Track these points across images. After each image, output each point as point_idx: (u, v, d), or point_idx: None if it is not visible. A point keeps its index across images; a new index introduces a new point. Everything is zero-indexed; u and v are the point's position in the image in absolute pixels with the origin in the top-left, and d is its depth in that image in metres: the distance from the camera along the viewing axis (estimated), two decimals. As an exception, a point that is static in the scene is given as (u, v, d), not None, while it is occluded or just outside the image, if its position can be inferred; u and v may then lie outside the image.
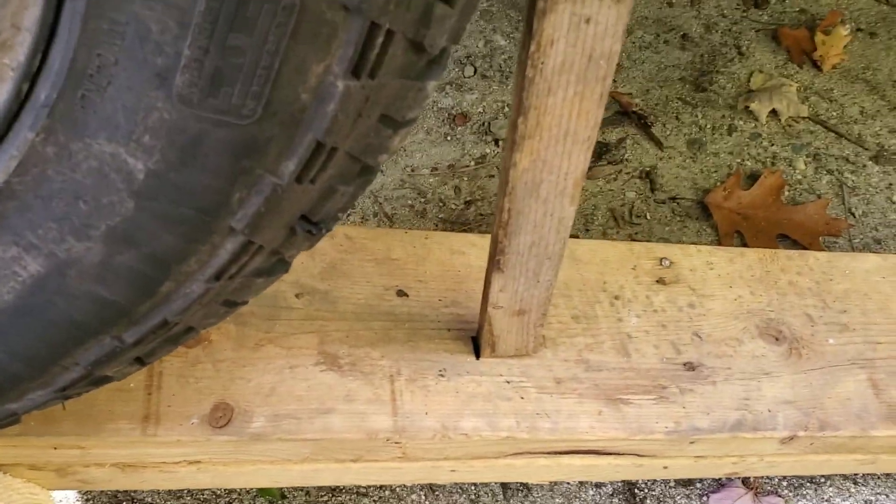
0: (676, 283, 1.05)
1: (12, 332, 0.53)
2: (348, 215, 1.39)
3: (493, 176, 1.42)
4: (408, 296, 0.95)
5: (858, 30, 1.62)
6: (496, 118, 1.49)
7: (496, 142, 1.46)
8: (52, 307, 0.53)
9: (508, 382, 0.91)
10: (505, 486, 1.13)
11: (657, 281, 1.05)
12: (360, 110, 0.48)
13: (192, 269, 0.53)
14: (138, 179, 0.47)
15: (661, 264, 1.06)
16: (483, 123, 1.48)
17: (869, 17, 1.65)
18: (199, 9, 0.40)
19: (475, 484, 1.12)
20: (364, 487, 1.11)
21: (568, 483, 1.14)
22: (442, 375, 0.90)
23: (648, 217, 1.41)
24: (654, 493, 1.15)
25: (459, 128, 1.47)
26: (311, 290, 0.92)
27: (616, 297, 1.02)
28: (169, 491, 1.06)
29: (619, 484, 1.15)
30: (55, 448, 0.77)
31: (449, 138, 1.46)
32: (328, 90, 0.45)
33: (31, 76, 0.45)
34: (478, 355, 0.92)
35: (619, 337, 0.98)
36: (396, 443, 0.86)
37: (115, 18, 0.42)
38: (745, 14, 1.65)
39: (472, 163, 1.43)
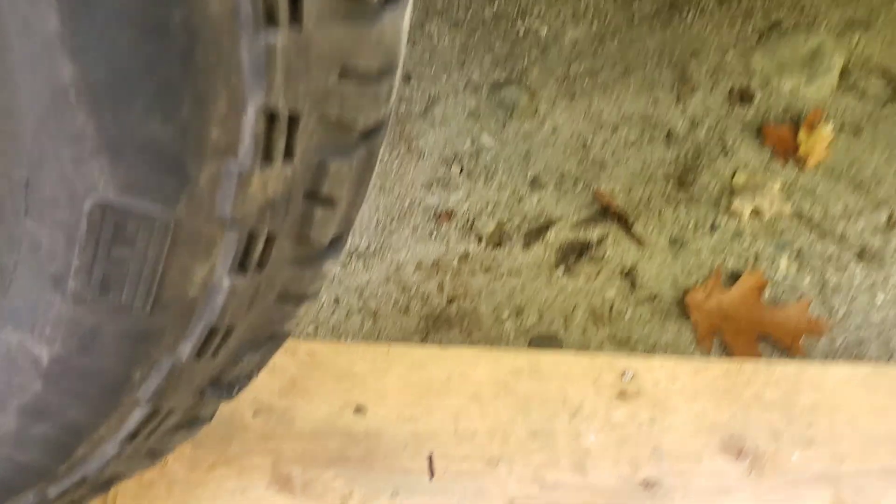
0: (638, 396, 1.06)
1: (-62, 491, 0.57)
2: (332, 312, 1.42)
3: (475, 273, 1.44)
4: (366, 412, 0.97)
5: (843, 127, 1.64)
6: (479, 216, 1.52)
7: (479, 239, 1.49)
8: (-25, 470, 0.56)
9: (464, 502, 0.93)
10: None
11: (618, 395, 1.06)
12: (254, 297, 0.52)
13: (104, 434, 0.56)
14: (43, 364, 0.51)
15: (623, 377, 1.08)
16: (468, 221, 1.51)
17: (854, 115, 1.67)
18: (82, 229, 0.44)
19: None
20: None
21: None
22: (395, 496, 0.91)
23: (627, 317, 1.42)
24: None
25: (444, 226, 1.51)
26: (269, 409, 0.95)
27: (576, 412, 1.03)
28: None
29: None
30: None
31: (433, 236, 1.50)
32: (215, 287, 0.49)
33: (-55, 274, 0.49)
34: (432, 475, 0.94)
35: (578, 454, 1.00)
36: (344, 566, 0.87)
37: (13, 233, 0.46)
38: (730, 110, 1.68)
39: (456, 260, 1.47)
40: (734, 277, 1.46)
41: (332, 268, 0.56)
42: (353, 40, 0.41)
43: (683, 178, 1.59)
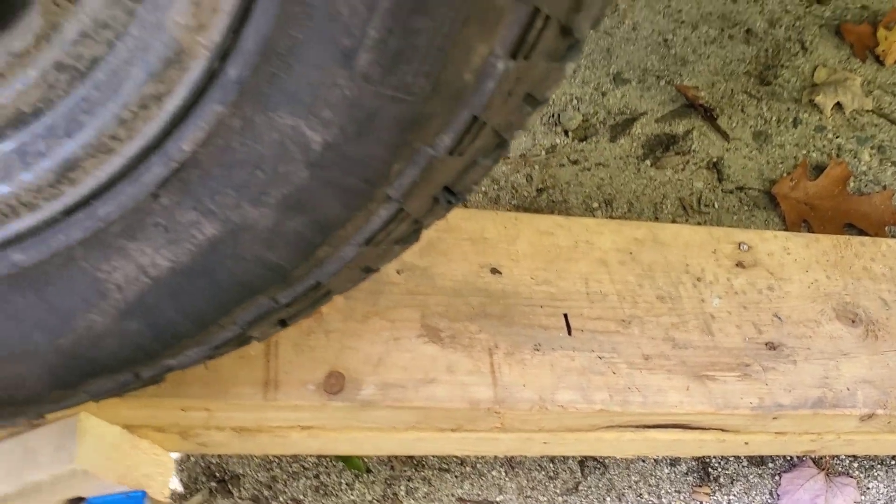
0: (755, 266, 1.09)
1: (184, 291, 0.59)
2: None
3: (563, 165, 1.46)
4: (501, 273, 0.99)
5: (922, 24, 1.64)
6: (565, 110, 1.53)
7: (566, 132, 1.50)
8: (223, 269, 0.58)
9: (600, 358, 0.95)
10: (582, 463, 1.17)
11: (737, 264, 1.08)
12: (512, 89, 0.53)
13: (348, 233, 0.58)
14: (315, 150, 0.52)
15: (739, 248, 1.10)
16: (553, 115, 1.52)
17: (933, 12, 1.67)
18: (388, -6, 0.45)
19: (553, 461, 1.17)
20: (446, 463, 1.15)
21: (643, 461, 1.18)
22: (537, 350, 0.94)
23: (716, 206, 1.44)
24: (727, 471, 1.19)
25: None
26: (412, 267, 0.97)
27: (698, 279, 1.05)
28: (259, 462, 1.12)
29: (694, 463, 1.18)
30: (183, 410, 0.83)
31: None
32: (489, 70, 0.50)
33: (223, 55, 0.50)
34: (569, 331, 0.97)
35: (703, 317, 1.02)
36: (497, 413, 0.90)
37: (309, 1, 0.47)
38: (808, 9, 1.67)
39: (543, 152, 1.48)
40: (818, 169, 1.48)
41: (568, 70, 0.57)
42: None
43: (764, 75, 1.59)
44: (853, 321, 1.07)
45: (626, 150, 1.49)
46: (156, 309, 0.59)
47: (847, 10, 1.67)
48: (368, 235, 0.59)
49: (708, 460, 1.18)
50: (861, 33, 1.61)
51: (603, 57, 1.60)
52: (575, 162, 1.47)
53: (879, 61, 1.59)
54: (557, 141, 1.49)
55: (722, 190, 1.45)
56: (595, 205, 1.44)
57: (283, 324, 0.67)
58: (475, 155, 0.57)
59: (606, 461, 1.17)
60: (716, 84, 1.58)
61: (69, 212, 0.56)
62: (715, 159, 1.48)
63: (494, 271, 1.00)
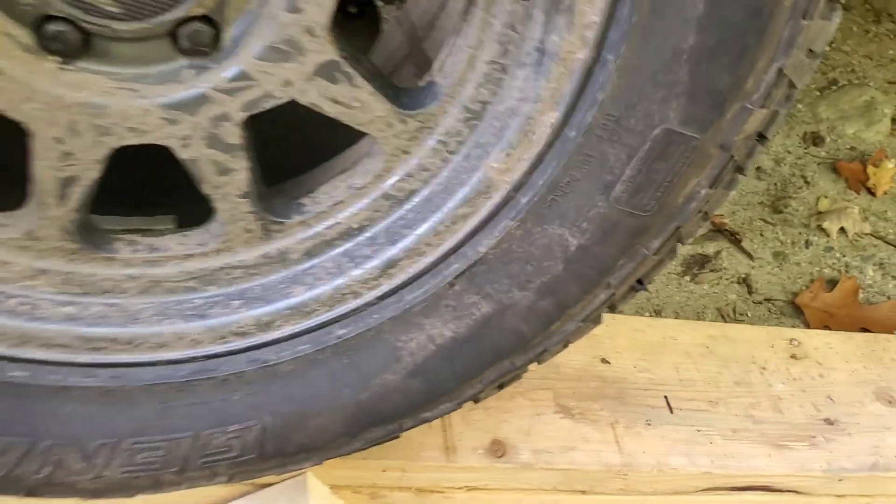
0: (805, 358, 1.32)
1: (457, 356, 0.80)
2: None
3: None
4: (610, 363, 1.21)
5: (901, 163, 1.97)
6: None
7: (618, 254, 1.75)
8: (487, 338, 0.79)
9: (699, 431, 1.16)
10: (667, 533, 1.35)
11: (791, 356, 1.32)
12: (701, 209, 0.77)
13: (576, 312, 0.80)
14: (571, 251, 0.75)
15: (791, 343, 1.34)
16: (605, 239, 1.78)
17: (908, 153, 2.00)
18: (644, 149, 0.69)
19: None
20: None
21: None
22: (649, 424, 1.15)
23: (749, 315, 1.69)
24: (790, 539, 1.38)
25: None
26: (541, 359, 1.19)
27: (763, 368, 1.28)
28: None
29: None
30: (384, 470, 1.02)
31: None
32: (694, 196, 0.74)
33: (518, 187, 0.73)
34: (671, 410, 1.18)
35: (772, 399, 1.24)
36: (624, 475, 1.10)
37: (589, 153, 0.71)
38: (806, 150, 1.99)
39: (600, 271, 1.72)
40: (832, 283, 1.74)
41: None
42: (822, 30, 0.68)
43: (776, 205, 1.89)
44: (890, 402, 1.30)
45: (668, 268, 1.75)
46: (434, 370, 0.80)
47: (839, 150, 1.99)
48: (587, 314, 0.81)
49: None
50: (854, 170, 1.93)
51: (641, 190, 1.88)
52: (627, 278, 1.72)
53: (871, 193, 1.90)
54: (611, 261, 1.74)
55: (752, 301, 1.71)
56: (647, 314, 1.67)
57: (501, 387, 0.88)
58: (665, 256, 0.81)
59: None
60: (736, 213, 1.86)
61: (384, 297, 0.78)
62: (743, 275, 1.75)
63: (604, 361, 1.21)
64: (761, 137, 0.74)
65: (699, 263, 1.76)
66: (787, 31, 0.65)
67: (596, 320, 0.87)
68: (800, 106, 2.09)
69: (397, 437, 0.89)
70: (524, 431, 1.09)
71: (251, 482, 0.98)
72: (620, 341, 1.25)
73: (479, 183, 0.74)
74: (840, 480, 1.19)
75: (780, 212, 1.87)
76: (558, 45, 0.67)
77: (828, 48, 2.24)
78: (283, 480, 0.98)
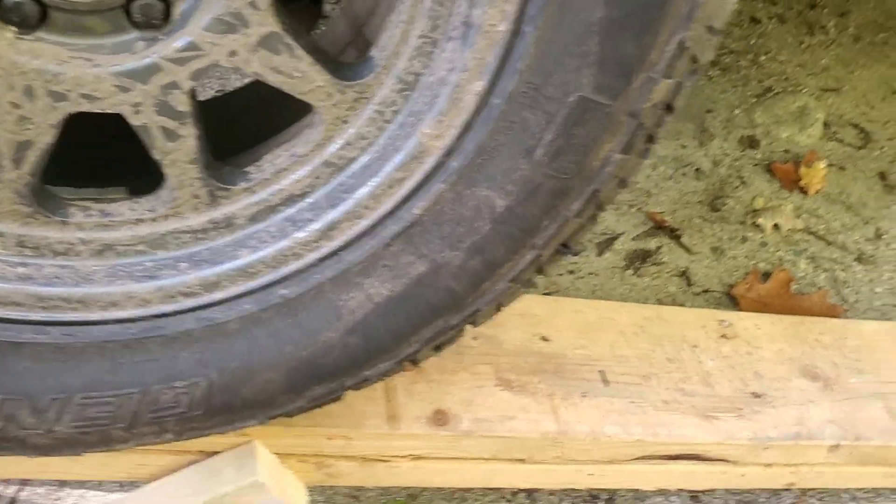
0: (735, 337, 1.40)
1: (394, 314, 0.85)
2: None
3: (562, 274, 1.77)
4: (549, 341, 1.27)
5: (831, 164, 2.07)
6: (561, 231, 1.86)
7: (563, 249, 1.83)
8: (422, 297, 0.85)
9: (632, 402, 1.23)
10: (594, 496, 1.40)
11: (721, 336, 1.39)
12: (616, 174, 0.84)
13: (505, 272, 0.86)
14: (498, 212, 0.81)
15: (721, 325, 1.41)
16: (551, 235, 1.85)
17: (838, 156, 2.10)
18: (561, 114, 0.76)
19: (569, 493, 1.39)
20: (492, 498, 1.37)
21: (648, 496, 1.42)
22: (584, 396, 1.21)
23: (689, 305, 1.76)
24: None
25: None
26: (482, 335, 1.24)
27: (695, 346, 1.36)
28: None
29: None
30: (329, 438, 1.06)
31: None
32: (609, 160, 0.81)
33: (449, 152, 0.79)
34: (606, 383, 1.24)
35: (702, 374, 1.31)
36: (560, 443, 1.16)
37: (512, 119, 0.77)
38: (743, 153, 2.09)
39: (546, 265, 1.79)
40: (766, 276, 1.83)
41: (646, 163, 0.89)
42: (720, 7, 0.76)
43: (714, 203, 1.97)
44: (814, 377, 1.38)
45: (612, 262, 1.82)
46: (372, 327, 0.86)
47: (774, 153, 2.09)
48: (515, 274, 0.87)
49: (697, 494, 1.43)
50: (787, 171, 2.03)
51: (586, 189, 1.96)
52: (571, 272, 1.79)
53: (803, 192, 1.99)
54: (556, 255, 1.81)
55: (691, 293, 1.79)
56: (592, 305, 1.74)
57: (438, 349, 0.94)
58: (587, 219, 0.87)
59: (615, 496, 1.40)
60: (676, 210, 1.95)
61: (325, 258, 0.83)
62: (683, 269, 1.83)
63: (544, 339, 1.28)
64: (668, 108, 0.81)
65: (641, 258, 1.84)
66: (686, 7, 0.72)
67: (527, 283, 0.93)
68: (737, 112, 2.19)
69: (340, 398, 0.94)
70: (466, 402, 1.14)
71: (200, 450, 1.03)
72: (560, 321, 1.31)
73: (413, 149, 0.80)
74: (765, 448, 1.26)
75: (718, 210, 1.96)
76: (482, 18, 0.73)
77: (763, 58, 2.36)
78: (230, 449, 1.02)
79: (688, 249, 1.87)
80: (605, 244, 1.86)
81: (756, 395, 1.31)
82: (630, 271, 1.81)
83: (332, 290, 0.84)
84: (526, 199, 0.81)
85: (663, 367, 1.30)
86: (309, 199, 0.83)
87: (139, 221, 0.82)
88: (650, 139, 0.83)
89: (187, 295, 0.84)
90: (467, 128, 0.79)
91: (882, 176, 2.08)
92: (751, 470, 1.30)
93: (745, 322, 1.43)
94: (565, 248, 0.89)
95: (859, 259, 1.89)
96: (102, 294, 0.82)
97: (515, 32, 0.74)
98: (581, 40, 0.73)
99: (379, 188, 0.81)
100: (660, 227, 1.91)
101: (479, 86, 0.76)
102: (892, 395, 1.38)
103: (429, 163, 0.80)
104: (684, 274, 1.82)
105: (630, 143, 0.81)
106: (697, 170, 2.05)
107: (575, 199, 0.83)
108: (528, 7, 0.72)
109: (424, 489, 1.35)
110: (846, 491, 1.50)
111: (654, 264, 1.83)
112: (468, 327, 0.94)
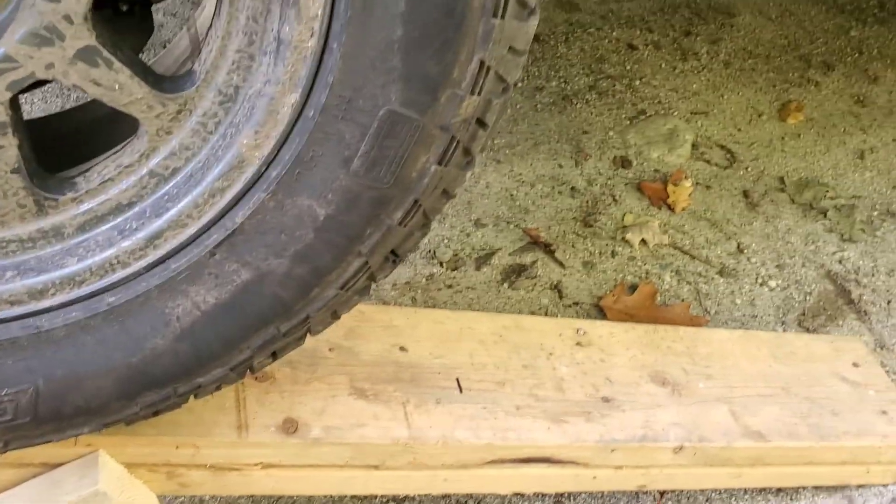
0: (590, 345, 1.46)
1: (221, 321, 0.88)
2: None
3: (440, 289, 1.82)
4: (408, 350, 1.31)
5: (698, 183, 2.18)
6: (438, 247, 1.91)
7: (440, 264, 1.88)
8: (250, 304, 0.88)
9: (485, 408, 1.27)
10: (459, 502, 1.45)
11: (577, 343, 1.46)
12: (438, 184, 0.89)
13: (333, 279, 0.90)
14: (320, 220, 0.85)
15: (577, 332, 1.48)
16: (430, 251, 1.90)
17: (704, 175, 2.22)
18: (373, 127, 0.80)
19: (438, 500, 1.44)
20: (363, 520, 1.40)
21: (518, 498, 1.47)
22: (438, 402, 1.25)
23: (559, 317, 1.83)
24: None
25: (411, 255, 1.88)
26: (339, 346, 1.27)
27: (550, 354, 1.41)
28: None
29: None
30: (177, 447, 1.07)
31: (404, 262, 1.87)
32: (426, 172, 0.86)
33: (268, 162, 0.83)
34: (461, 390, 1.29)
35: (556, 380, 1.37)
36: (412, 448, 1.19)
37: (328, 130, 0.81)
38: (615, 172, 2.19)
39: (423, 279, 1.84)
40: (633, 288, 1.91)
41: (467, 179, 0.94)
42: (519, 30, 0.82)
43: (587, 220, 2.06)
44: (663, 383, 1.45)
45: (489, 276, 1.88)
46: (201, 334, 0.88)
47: (645, 172, 2.19)
48: (344, 281, 0.91)
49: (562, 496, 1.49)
50: (656, 189, 2.13)
51: (465, 207, 2.02)
52: (449, 286, 1.84)
53: (670, 209, 2.10)
54: (434, 271, 1.86)
55: (563, 305, 1.86)
56: (466, 319, 1.79)
57: (274, 356, 0.97)
58: (413, 228, 0.92)
59: (484, 501, 1.45)
60: (552, 227, 2.02)
61: (151, 267, 0.85)
62: (556, 282, 1.90)
63: (402, 349, 1.31)
64: (481, 123, 0.86)
65: (516, 272, 1.91)
66: (482, 28, 0.78)
67: (361, 291, 0.96)
68: (611, 133, 2.29)
69: (177, 405, 0.95)
70: (318, 411, 1.17)
71: (43, 462, 1.03)
72: (420, 331, 1.35)
73: (233, 159, 0.83)
74: (612, 451, 1.32)
75: (591, 226, 2.04)
76: (291, 35, 0.77)
77: (638, 82, 2.48)
78: (74, 460, 1.02)
79: (561, 264, 1.94)
80: (483, 259, 1.92)
81: (606, 400, 1.37)
82: (506, 285, 1.87)
83: (159, 297, 0.86)
84: (347, 208, 0.85)
85: (518, 373, 1.35)
86: (135, 209, 0.85)
87: (-37, 231, 0.83)
88: (467, 152, 0.88)
89: (13, 303, 0.84)
90: (285, 139, 0.82)
91: (745, 194, 2.20)
92: (602, 472, 1.36)
93: (601, 330, 1.50)
94: (395, 255, 0.93)
95: (721, 272, 1.99)
96: (-77, 303, 0.82)
97: (324, 48, 0.78)
98: (385, 57, 0.78)
99: (202, 197, 0.84)
100: (535, 243, 1.98)
101: (293, 98, 0.80)
102: (737, 400, 1.47)
103: (249, 172, 0.83)
104: (556, 287, 1.89)
105: (445, 155, 0.86)
106: (573, 188, 2.13)
107: (396, 209, 0.87)
108: (333, 24, 0.76)
109: (293, 498, 1.37)
110: (702, 492, 1.58)
111: (529, 278, 1.89)
112: (308, 336, 0.97)
